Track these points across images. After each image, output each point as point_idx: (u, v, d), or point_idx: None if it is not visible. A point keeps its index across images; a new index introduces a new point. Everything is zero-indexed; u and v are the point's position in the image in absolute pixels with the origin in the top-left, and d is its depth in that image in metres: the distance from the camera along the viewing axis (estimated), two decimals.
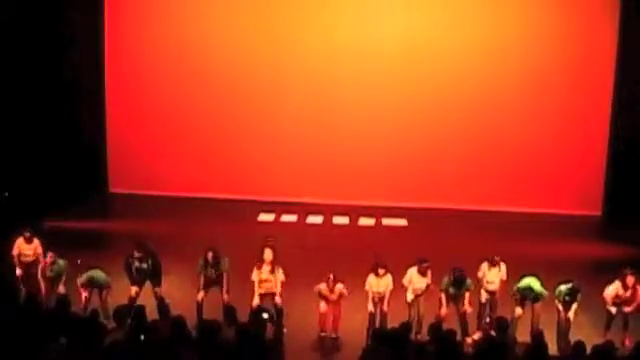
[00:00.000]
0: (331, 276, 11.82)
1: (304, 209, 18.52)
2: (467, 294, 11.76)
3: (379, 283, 11.84)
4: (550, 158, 18.94)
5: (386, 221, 18.14)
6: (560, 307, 11.69)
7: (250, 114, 19.40)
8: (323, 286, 11.89)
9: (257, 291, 11.76)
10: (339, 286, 11.88)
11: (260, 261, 11.86)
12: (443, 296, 11.77)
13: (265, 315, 9.94)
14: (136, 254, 12.05)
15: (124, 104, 19.72)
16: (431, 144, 19.13)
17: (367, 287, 11.92)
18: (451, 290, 11.76)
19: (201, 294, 11.94)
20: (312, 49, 19.15)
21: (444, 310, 11.75)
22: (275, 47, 19.18)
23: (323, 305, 11.90)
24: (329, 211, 18.45)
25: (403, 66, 18.94)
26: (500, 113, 18.94)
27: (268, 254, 11.84)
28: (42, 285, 12.33)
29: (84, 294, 12.05)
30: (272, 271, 11.81)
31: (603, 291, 11.75)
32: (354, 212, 18.44)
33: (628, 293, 11.55)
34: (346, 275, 12.09)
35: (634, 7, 17.82)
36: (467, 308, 11.75)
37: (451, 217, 18.17)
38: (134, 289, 12.04)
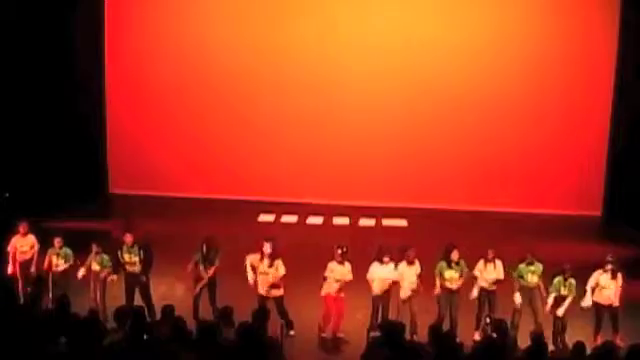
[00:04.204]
0: (339, 251, 11.77)
1: (304, 209, 18.53)
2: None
3: (384, 272, 11.85)
4: (550, 158, 18.94)
5: (386, 221, 18.14)
6: (551, 300, 11.69)
7: (250, 114, 19.41)
8: (333, 264, 11.82)
9: (251, 277, 11.84)
10: (347, 264, 11.85)
11: (260, 252, 11.88)
12: (437, 280, 11.91)
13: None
14: (126, 239, 12.03)
15: (125, 105, 19.75)
16: (431, 144, 19.15)
17: (369, 276, 11.85)
18: (446, 273, 11.84)
19: (198, 288, 12.09)
20: (313, 49, 19.17)
21: (437, 290, 11.89)
22: (276, 47, 19.19)
23: (326, 288, 11.86)
24: (329, 211, 18.46)
25: (403, 66, 18.96)
26: (500, 113, 18.95)
27: (267, 247, 11.84)
28: (48, 270, 12.32)
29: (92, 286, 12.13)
30: (270, 265, 11.82)
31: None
32: (354, 212, 18.45)
33: (604, 281, 11.67)
34: None
35: (634, 6, 17.82)
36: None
37: (451, 217, 18.17)
38: (113, 277, 12.05)
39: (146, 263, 12.17)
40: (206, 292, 12.28)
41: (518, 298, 11.85)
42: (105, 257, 12.31)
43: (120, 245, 12.18)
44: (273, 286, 11.84)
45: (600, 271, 11.83)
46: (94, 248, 12.25)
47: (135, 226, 12.37)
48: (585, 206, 18.83)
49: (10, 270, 12.67)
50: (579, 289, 11.83)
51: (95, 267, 12.20)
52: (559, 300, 11.71)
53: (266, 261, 11.85)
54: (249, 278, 11.90)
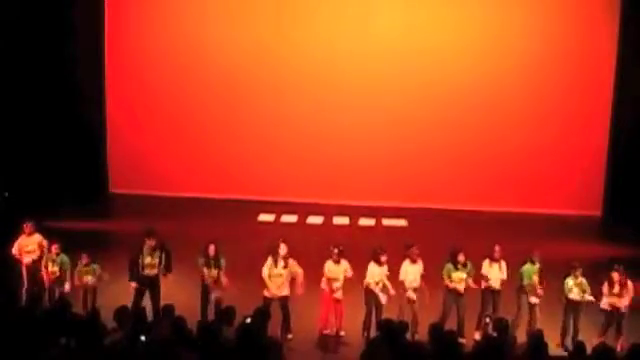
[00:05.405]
0: (336, 250, 11.85)
1: (304, 209, 18.53)
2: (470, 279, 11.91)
3: (382, 272, 11.82)
4: (550, 158, 18.96)
5: (386, 221, 18.15)
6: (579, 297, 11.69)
7: (250, 114, 19.42)
8: (329, 263, 11.88)
9: (269, 285, 11.81)
10: (345, 262, 11.90)
11: (275, 255, 11.87)
12: (446, 281, 11.86)
13: None
14: (148, 243, 11.97)
15: (124, 105, 19.75)
16: (431, 145, 19.15)
17: (369, 279, 11.78)
18: (454, 275, 11.81)
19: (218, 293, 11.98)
20: (312, 50, 19.18)
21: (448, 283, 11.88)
22: (276, 47, 19.19)
23: (325, 285, 11.90)
24: (329, 211, 18.46)
25: (402, 67, 18.97)
26: (500, 113, 18.96)
27: (283, 248, 11.89)
28: (45, 279, 12.26)
29: (82, 296, 12.08)
30: (285, 265, 11.87)
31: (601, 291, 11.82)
32: (354, 212, 18.46)
33: (616, 289, 11.62)
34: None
35: (634, 7, 17.84)
36: (472, 284, 11.89)
37: (451, 217, 18.18)
38: (133, 284, 11.98)
39: (168, 265, 12.20)
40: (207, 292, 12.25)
41: (535, 299, 11.85)
42: (95, 266, 12.27)
43: (140, 248, 12.08)
44: (294, 285, 11.92)
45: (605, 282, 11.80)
46: (84, 259, 12.19)
47: (156, 229, 12.32)
48: (585, 206, 18.84)
49: (23, 271, 12.61)
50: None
51: (88, 278, 12.13)
52: (574, 301, 11.72)
53: (281, 262, 11.88)
54: (270, 287, 11.86)
